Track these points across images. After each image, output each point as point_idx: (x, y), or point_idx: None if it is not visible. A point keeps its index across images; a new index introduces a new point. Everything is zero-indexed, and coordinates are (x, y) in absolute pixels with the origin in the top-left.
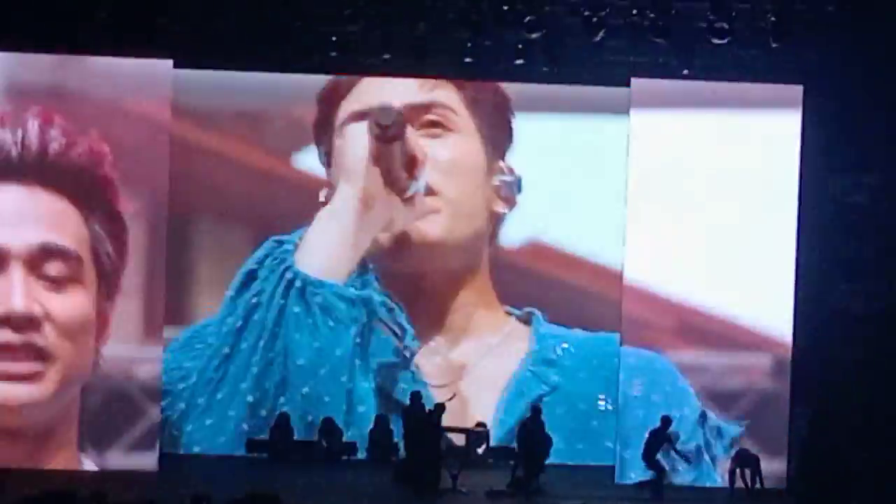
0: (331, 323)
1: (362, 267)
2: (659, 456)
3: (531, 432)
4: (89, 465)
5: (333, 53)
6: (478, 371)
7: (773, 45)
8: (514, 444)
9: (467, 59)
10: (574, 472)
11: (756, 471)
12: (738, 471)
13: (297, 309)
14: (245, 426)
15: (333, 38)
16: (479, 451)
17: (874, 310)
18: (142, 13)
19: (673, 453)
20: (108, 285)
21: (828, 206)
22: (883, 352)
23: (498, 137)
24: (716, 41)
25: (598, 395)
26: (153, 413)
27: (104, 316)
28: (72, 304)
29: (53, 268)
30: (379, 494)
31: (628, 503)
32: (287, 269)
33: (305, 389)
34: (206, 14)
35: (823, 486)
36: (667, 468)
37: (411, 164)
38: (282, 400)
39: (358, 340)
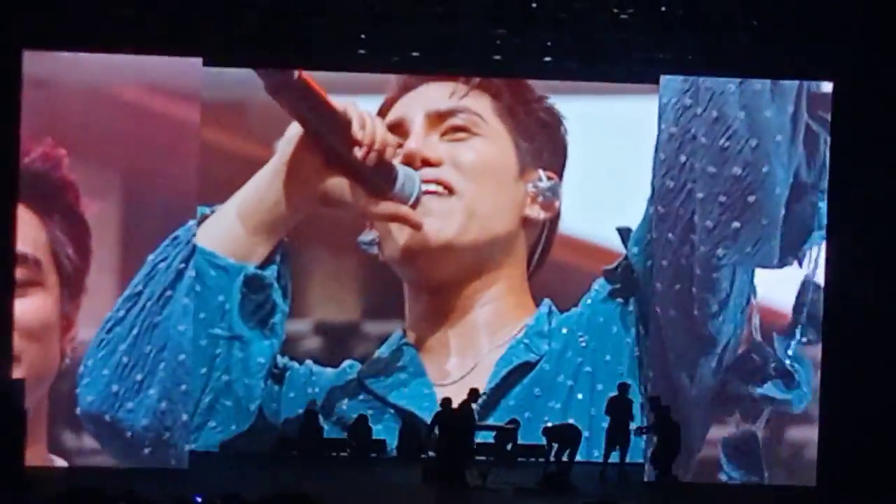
0: (198, 288)
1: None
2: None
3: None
4: (60, 463)
5: (362, 51)
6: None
7: (803, 41)
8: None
9: (496, 57)
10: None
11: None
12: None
13: (192, 273)
14: (115, 387)
15: (362, 36)
16: (508, 447)
17: None
18: (171, 10)
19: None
20: (70, 287)
21: (858, 202)
22: None
23: (539, 148)
24: (745, 37)
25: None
26: None
27: (69, 317)
28: (33, 307)
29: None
30: (408, 492)
31: (657, 501)
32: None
33: (182, 356)
34: (234, 12)
35: (852, 484)
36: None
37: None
38: (161, 366)
39: (227, 307)
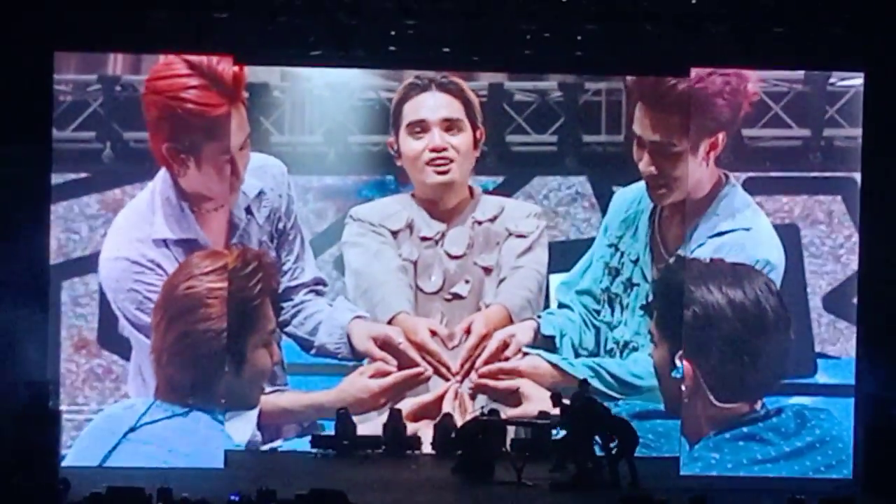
0: None
1: None
2: None
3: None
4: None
5: (392, 48)
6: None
7: (834, 31)
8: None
9: (527, 52)
10: (638, 464)
11: None
12: None
13: None
14: None
15: (392, 33)
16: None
17: None
18: (201, 9)
19: None
20: None
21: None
22: None
23: None
24: (775, 27)
25: None
26: None
27: None
28: None
29: None
30: (442, 488)
31: (692, 494)
32: None
33: None
34: (265, 9)
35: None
36: None
37: None
38: None
39: None
